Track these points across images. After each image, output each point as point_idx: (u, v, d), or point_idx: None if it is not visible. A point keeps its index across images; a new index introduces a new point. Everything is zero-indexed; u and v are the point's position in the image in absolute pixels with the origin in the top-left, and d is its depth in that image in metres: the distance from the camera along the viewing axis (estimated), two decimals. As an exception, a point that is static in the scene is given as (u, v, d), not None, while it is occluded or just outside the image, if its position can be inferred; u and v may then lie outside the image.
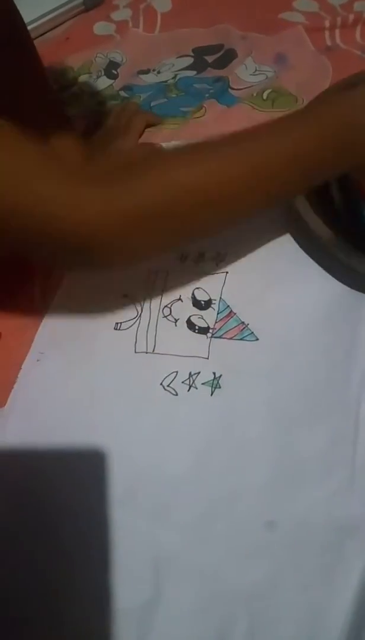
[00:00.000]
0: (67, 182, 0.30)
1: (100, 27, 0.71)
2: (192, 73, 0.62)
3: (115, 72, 0.65)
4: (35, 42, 0.69)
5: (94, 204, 0.30)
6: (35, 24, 0.69)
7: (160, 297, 0.43)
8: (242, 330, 0.41)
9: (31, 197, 0.29)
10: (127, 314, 0.43)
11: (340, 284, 0.41)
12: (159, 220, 0.31)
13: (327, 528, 0.32)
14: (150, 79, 0.63)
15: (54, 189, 0.29)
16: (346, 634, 0.28)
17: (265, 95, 0.57)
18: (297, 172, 0.33)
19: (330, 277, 0.42)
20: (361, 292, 0.41)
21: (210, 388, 0.38)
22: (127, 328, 0.42)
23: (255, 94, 0.57)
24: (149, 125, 0.56)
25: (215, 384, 0.39)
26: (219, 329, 0.41)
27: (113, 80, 0.64)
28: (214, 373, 0.39)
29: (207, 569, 0.31)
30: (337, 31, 0.63)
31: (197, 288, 0.43)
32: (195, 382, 0.39)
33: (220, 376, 0.39)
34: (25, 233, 0.30)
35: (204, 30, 0.67)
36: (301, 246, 0.44)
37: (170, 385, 0.38)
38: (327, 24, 0.63)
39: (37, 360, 0.41)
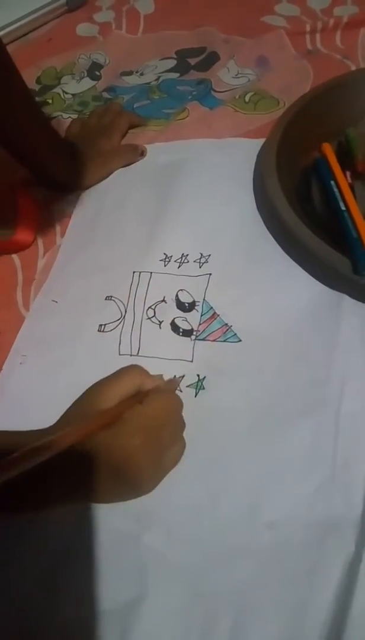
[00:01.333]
0: None
1: (83, 29, 0.71)
2: (175, 75, 0.63)
3: (98, 74, 0.65)
4: (17, 42, 0.69)
5: None
6: (17, 24, 0.69)
7: (144, 299, 0.43)
8: (225, 332, 0.41)
9: None
10: (111, 315, 0.43)
11: (321, 284, 0.42)
12: None
13: (310, 525, 0.32)
14: (133, 80, 0.63)
15: None
16: (328, 629, 0.29)
17: (247, 98, 0.58)
18: None
19: (311, 277, 0.43)
20: (341, 292, 0.41)
21: (194, 390, 0.39)
22: (111, 330, 0.42)
23: (237, 97, 0.58)
24: (132, 126, 0.56)
25: (199, 385, 0.39)
26: (203, 331, 0.41)
27: (96, 82, 0.64)
28: (198, 375, 0.39)
29: (192, 568, 0.32)
30: (317, 35, 0.63)
31: (181, 290, 0.44)
32: (180, 385, 0.39)
33: (204, 378, 0.39)
34: None
35: (186, 33, 0.67)
36: (283, 248, 0.45)
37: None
38: (308, 28, 0.64)
39: (20, 363, 0.41)
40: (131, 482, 0.32)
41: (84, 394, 0.34)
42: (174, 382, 0.38)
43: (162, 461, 0.33)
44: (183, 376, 0.39)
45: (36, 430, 0.32)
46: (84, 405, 0.33)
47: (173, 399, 0.35)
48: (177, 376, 0.39)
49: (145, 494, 0.33)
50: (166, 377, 0.39)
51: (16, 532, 0.33)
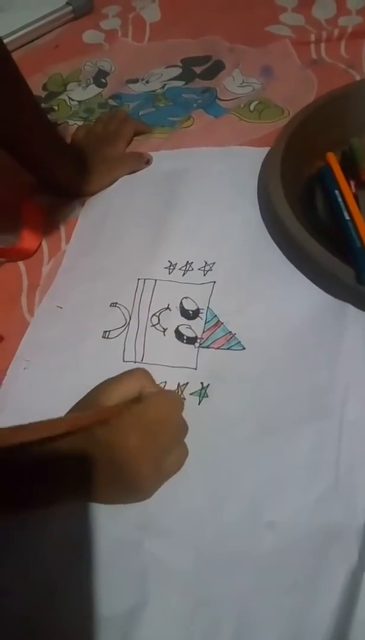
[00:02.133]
0: None
1: (90, 36, 0.71)
2: (180, 83, 0.63)
3: (104, 81, 0.65)
4: (24, 49, 0.70)
5: None
6: (24, 31, 0.69)
7: (148, 306, 0.44)
8: (229, 340, 0.41)
9: None
10: (115, 322, 0.43)
11: (324, 293, 0.42)
12: None
13: (312, 533, 0.32)
14: (138, 88, 0.64)
15: None
16: (330, 638, 0.29)
17: (252, 107, 0.58)
18: None
19: (314, 286, 0.43)
20: (345, 301, 0.41)
21: (197, 397, 0.39)
22: (116, 336, 0.42)
23: (242, 105, 0.58)
24: (137, 134, 0.57)
25: (202, 393, 0.39)
26: (207, 338, 0.42)
27: (102, 89, 0.64)
28: (202, 383, 0.39)
29: (194, 575, 0.32)
30: (322, 45, 0.64)
31: (185, 297, 0.44)
32: (184, 392, 0.39)
33: (207, 386, 0.39)
34: None
35: (192, 41, 0.68)
36: (287, 256, 0.45)
37: None
38: (312, 37, 0.65)
39: (24, 369, 0.41)
40: (129, 483, 0.32)
41: (88, 393, 0.34)
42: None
43: (162, 464, 0.33)
44: (187, 384, 0.40)
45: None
46: (85, 402, 0.34)
47: (173, 399, 0.35)
48: (181, 384, 0.39)
49: (145, 497, 0.33)
50: (169, 385, 0.39)
51: (17, 537, 0.33)
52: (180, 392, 0.39)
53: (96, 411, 0.31)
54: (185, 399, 0.39)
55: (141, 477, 0.32)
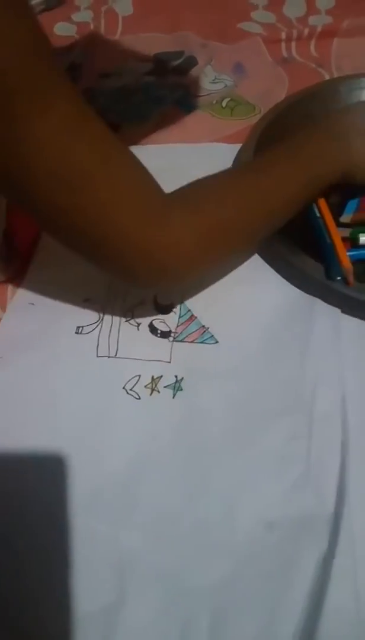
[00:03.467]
0: (149, 209, 0.33)
1: (61, 28, 0.70)
2: (152, 78, 0.63)
3: (76, 74, 0.64)
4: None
5: (178, 228, 0.33)
6: (-7, 21, 0.67)
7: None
8: (202, 333, 0.42)
9: (120, 228, 0.32)
10: (88, 318, 0.43)
11: (295, 288, 0.43)
12: (228, 238, 0.37)
13: (284, 522, 0.33)
14: (112, 82, 0.63)
15: (139, 216, 0.32)
16: (303, 625, 0.30)
17: (224, 104, 0.59)
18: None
19: (285, 281, 0.44)
20: (315, 296, 0.42)
21: (172, 391, 0.39)
22: (89, 332, 0.42)
23: (214, 102, 0.59)
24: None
25: (177, 386, 0.39)
26: (181, 332, 0.42)
27: (74, 83, 0.63)
28: (176, 376, 0.40)
29: (170, 569, 0.32)
30: (293, 43, 0.65)
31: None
32: (158, 385, 0.39)
33: (181, 379, 0.40)
34: (110, 256, 0.33)
35: (165, 36, 0.68)
36: (258, 253, 0.46)
37: (133, 389, 0.39)
38: (283, 35, 0.66)
39: (-4, 365, 0.41)
40: None
41: None
42: None
43: None
44: (161, 377, 0.40)
45: None
46: None
47: None
48: (155, 377, 0.40)
49: None
50: (143, 378, 0.39)
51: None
52: (154, 385, 0.40)
53: None
54: (159, 392, 0.39)
55: None
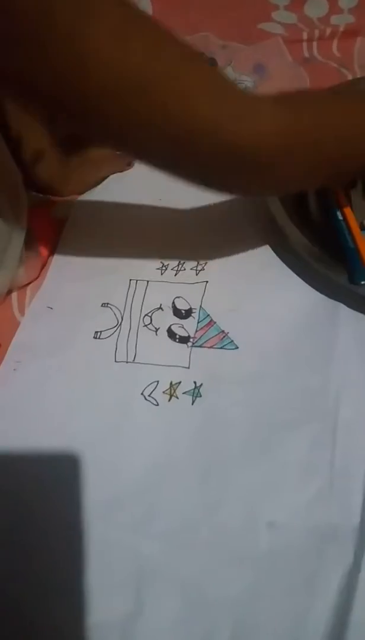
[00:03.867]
0: (240, 98, 0.31)
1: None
2: (172, 80, 0.63)
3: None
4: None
5: (270, 120, 0.31)
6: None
7: (140, 306, 0.43)
8: (222, 339, 0.41)
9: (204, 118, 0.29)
10: (107, 322, 0.42)
11: (318, 292, 0.42)
12: (312, 149, 0.34)
13: (308, 534, 0.32)
14: (130, 85, 0.63)
15: (226, 106, 0.30)
16: (327, 639, 0.29)
17: (244, 105, 0.58)
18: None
19: (307, 285, 0.43)
20: (338, 300, 0.41)
21: (191, 397, 0.39)
22: (107, 337, 0.42)
23: (235, 103, 0.58)
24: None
25: (195, 392, 0.39)
26: (200, 337, 0.41)
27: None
28: (195, 382, 0.39)
29: (190, 578, 0.32)
30: (314, 43, 0.64)
31: (178, 297, 0.44)
32: (176, 391, 0.39)
33: (200, 385, 0.39)
34: (191, 153, 0.31)
35: (184, 37, 0.67)
36: (279, 256, 0.45)
37: (152, 395, 0.38)
38: (305, 36, 0.64)
39: (14, 370, 0.40)
40: None
41: None
42: None
43: None
44: (179, 383, 0.39)
45: None
46: None
47: None
48: (174, 383, 0.39)
49: None
50: (161, 384, 0.39)
51: (9, 538, 0.33)
52: (173, 391, 0.39)
53: None
54: (178, 399, 0.39)
55: None
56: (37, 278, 0.46)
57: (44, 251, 0.47)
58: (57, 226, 0.50)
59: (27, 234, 0.44)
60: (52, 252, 0.48)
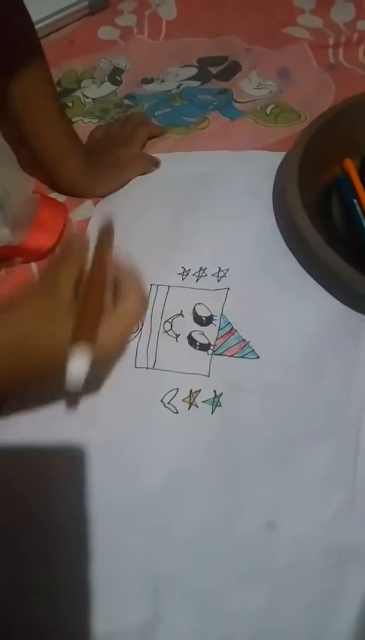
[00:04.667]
0: None
1: (105, 32, 0.70)
2: (196, 83, 0.62)
3: (119, 79, 0.64)
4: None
5: None
6: (39, 25, 0.68)
7: (161, 311, 0.43)
8: (243, 347, 0.41)
9: None
10: (127, 327, 0.42)
11: (341, 304, 0.42)
12: None
13: (328, 550, 0.32)
14: (154, 87, 0.63)
15: None
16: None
17: (268, 110, 0.57)
18: None
19: (330, 295, 0.42)
20: (362, 312, 0.41)
21: (210, 406, 0.38)
22: (128, 342, 0.42)
23: (258, 109, 0.58)
24: (152, 137, 0.56)
25: (215, 402, 0.38)
26: (220, 345, 0.41)
27: (116, 87, 0.63)
28: (215, 391, 0.39)
29: (207, 589, 0.31)
30: (340, 49, 0.63)
31: (199, 303, 0.43)
32: (196, 400, 0.39)
33: (220, 394, 0.39)
34: None
35: (208, 41, 0.67)
36: (302, 264, 0.45)
37: (171, 402, 0.38)
38: (331, 41, 0.64)
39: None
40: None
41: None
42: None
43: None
44: (199, 391, 0.39)
45: None
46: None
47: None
48: (194, 391, 0.39)
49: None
50: (181, 392, 0.39)
51: (23, 546, 0.33)
52: (192, 400, 0.39)
53: None
54: (198, 407, 0.38)
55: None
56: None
57: (43, 238, 0.47)
58: (69, 224, 0.50)
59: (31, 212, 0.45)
60: (53, 243, 0.48)
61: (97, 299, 0.30)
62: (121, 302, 0.31)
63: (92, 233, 0.50)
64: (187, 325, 0.42)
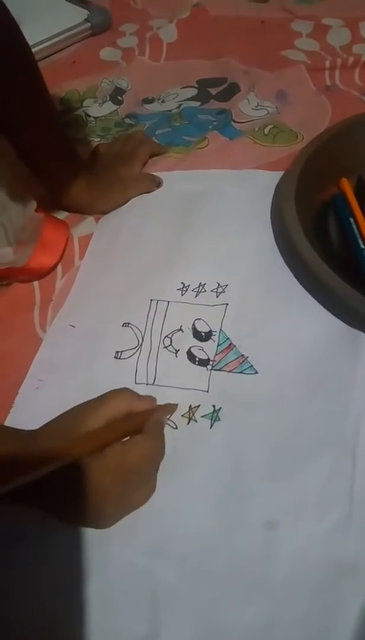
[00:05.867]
0: None
1: (107, 53, 0.72)
2: (196, 104, 0.64)
3: (121, 98, 0.66)
4: (41, 63, 0.70)
5: None
6: (42, 46, 0.70)
7: (160, 327, 0.44)
8: (241, 363, 0.41)
9: None
10: (127, 342, 0.43)
11: (338, 320, 0.42)
12: None
13: (325, 566, 0.32)
14: (154, 107, 0.64)
15: None
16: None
17: (266, 131, 0.59)
18: None
19: (328, 313, 0.43)
20: (358, 329, 0.42)
21: (209, 421, 0.39)
22: (128, 357, 0.42)
23: (257, 129, 0.59)
24: (153, 155, 0.57)
25: (214, 416, 0.39)
26: (219, 361, 0.42)
27: (118, 106, 0.65)
28: (214, 406, 0.39)
29: (206, 603, 0.31)
30: (336, 72, 0.65)
31: (198, 319, 0.44)
32: (195, 415, 0.39)
33: (219, 409, 0.39)
34: None
35: (208, 63, 0.69)
36: (299, 281, 0.45)
37: (170, 418, 0.39)
38: (327, 64, 0.66)
39: (36, 388, 0.41)
40: (91, 514, 0.32)
41: (67, 412, 0.34)
42: (170, 409, 0.38)
43: (127, 501, 0.34)
44: (198, 406, 0.39)
45: (15, 430, 0.33)
46: (65, 424, 0.33)
47: (156, 448, 0.34)
48: (193, 406, 0.39)
49: (103, 527, 0.33)
50: (180, 407, 0.39)
51: (19, 562, 0.33)
52: (191, 415, 0.39)
53: (88, 438, 0.32)
54: (197, 422, 0.39)
55: (103, 513, 0.32)
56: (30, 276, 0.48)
57: (45, 257, 0.48)
58: (70, 241, 0.51)
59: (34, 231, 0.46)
60: (55, 262, 0.49)
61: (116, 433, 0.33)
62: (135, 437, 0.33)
63: (93, 251, 0.50)
64: (187, 341, 0.43)
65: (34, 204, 0.47)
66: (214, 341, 0.43)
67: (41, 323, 0.46)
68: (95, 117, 0.64)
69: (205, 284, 0.46)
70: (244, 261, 0.48)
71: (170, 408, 0.39)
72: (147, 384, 0.41)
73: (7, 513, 0.34)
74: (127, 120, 0.63)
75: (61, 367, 0.42)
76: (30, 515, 0.33)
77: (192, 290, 0.46)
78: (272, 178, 0.53)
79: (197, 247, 0.49)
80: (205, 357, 0.42)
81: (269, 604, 0.31)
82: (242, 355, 0.42)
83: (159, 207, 0.53)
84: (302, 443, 0.37)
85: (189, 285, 0.46)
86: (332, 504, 0.34)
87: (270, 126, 0.59)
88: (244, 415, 0.39)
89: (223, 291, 0.46)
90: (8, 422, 0.40)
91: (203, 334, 0.43)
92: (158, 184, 0.54)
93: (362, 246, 0.43)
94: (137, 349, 0.43)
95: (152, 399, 0.37)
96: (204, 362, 0.42)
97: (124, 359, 0.42)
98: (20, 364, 0.43)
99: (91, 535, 0.34)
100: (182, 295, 0.46)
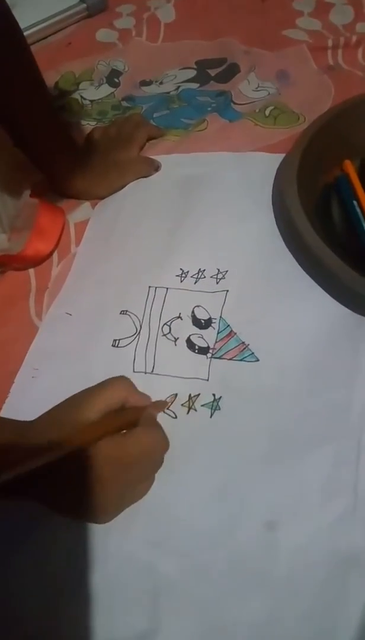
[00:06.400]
0: None
1: (103, 34, 0.70)
2: (194, 85, 0.62)
3: (117, 81, 0.64)
4: (36, 45, 0.68)
5: None
6: (37, 28, 0.68)
7: (159, 314, 0.43)
8: (242, 350, 0.40)
9: None
10: (125, 330, 0.42)
11: (342, 306, 0.41)
12: None
13: (329, 558, 0.31)
14: (152, 89, 0.63)
15: None
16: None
17: (267, 112, 0.57)
18: None
19: (332, 298, 0.42)
20: (361, 314, 0.40)
21: (209, 410, 0.38)
22: (126, 345, 0.41)
23: (257, 110, 0.57)
24: (151, 138, 0.56)
25: (215, 405, 0.38)
26: (219, 349, 0.41)
27: (114, 89, 0.63)
28: (214, 395, 0.38)
29: (207, 598, 0.31)
30: (339, 51, 0.63)
31: (197, 306, 0.43)
32: (195, 404, 0.38)
33: (220, 398, 0.38)
34: None
35: (207, 43, 0.67)
36: (301, 266, 0.44)
37: (170, 407, 0.38)
38: (329, 43, 0.64)
39: (32, 377, 0.40)
40: (90, 507, 0.31)
41: (66, 400, 0.33)
42: (161, 405, 0.37)
43: (127, 494, 0.32)
44: (198, 395, 0.38)
45: (11, 420, 0.32)
46: (62, 413, 0.32)
47: (155, 441, 0.33)
48: (192, 395, 0.38)
49: (102, 522, 0.32)
50: (180, 396, 0.38)
51: (19, 555, 0.33)
52: (191, 404, 0.38)
53: (85, 430, 0.30)
54: (197, 411, 0.38)
55: (102, 505, 0.31)
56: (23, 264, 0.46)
57: (41, 244, 0.47)
58: (66, 227, 0.50)
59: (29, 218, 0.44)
60: (51, 249, 0.48)
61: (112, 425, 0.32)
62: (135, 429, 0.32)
63: (90, 237, 0.49)
64: (186, 329, 0.42)
65: (28, 189, 0.46)
66: (214, 329, 0.42)
67: (37, 311, 0.45)
68: (91, 100, 0.62)
69: (204, 270, 0.45)
70: (244, 246, 0.46)
71: (162, 405, 0.37)
72: (145, 373, 0.40)
73: (6, 506, 0.33)
74: (124, 103, 0.61)
75: (58, 355, 0.41)
76: (30, 508, 0.32)
77: (192, 277, 0.45)
78: (273, 161, 0.52)
79: (197, 232, 0.47)
80: (205, 345, 0.41)
81: (271, 598, 0.30)
82: (243, 343, 0.41)
83: (157, 191, 0.51)
84: (305, 432, 0.36)
85: (188, 272, 0.45)
86: (335, 495, 0.33)
87: (271, 107, 0.57)
88: (245, 404, 0.38)
89: (223, 277, 0.45)
90: (4, 411, 0.39)
91: (203, 321, 0.42)
92: (156, 167, 0.52)
93: (358, 207, 0.42)
94: (135, 336, 0.41)
95: (147, 396, 0.36)
96: (203, 350, 0.41)
97: (122, 347, 0.41)
98: (15, 352, 0.42)
99: (91, 530, 0.33)
100: (181, 281, 0.44)
